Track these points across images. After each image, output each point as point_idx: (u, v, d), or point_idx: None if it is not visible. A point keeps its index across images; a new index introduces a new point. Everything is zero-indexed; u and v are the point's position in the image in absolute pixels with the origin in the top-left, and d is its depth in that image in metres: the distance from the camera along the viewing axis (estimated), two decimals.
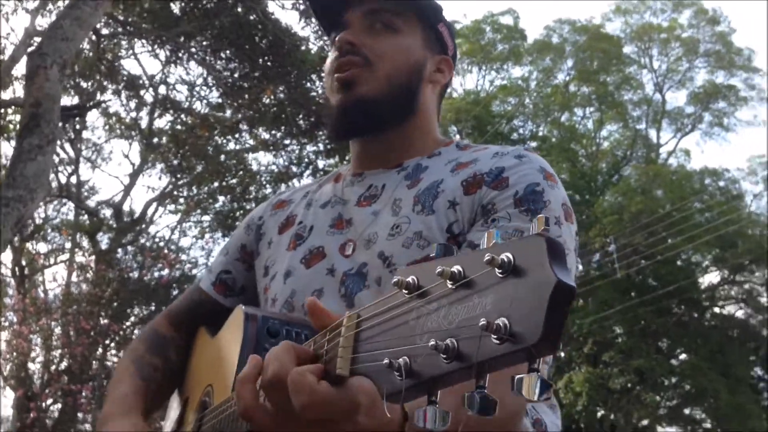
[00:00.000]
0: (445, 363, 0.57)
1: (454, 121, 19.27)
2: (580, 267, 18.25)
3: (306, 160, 10.90)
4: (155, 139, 12.18)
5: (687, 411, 21.86)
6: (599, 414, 20.07)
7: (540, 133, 21.99)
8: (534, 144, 21.67)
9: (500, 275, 0.55)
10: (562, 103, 21.59)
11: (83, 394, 10.34)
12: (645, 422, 21.60)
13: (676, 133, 22.35)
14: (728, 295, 21.95)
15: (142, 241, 13.04)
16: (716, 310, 21.65)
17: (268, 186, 11.46)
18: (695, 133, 22.11)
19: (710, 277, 21.63)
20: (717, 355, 19.17)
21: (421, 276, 0.62)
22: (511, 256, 0.54)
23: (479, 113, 19.68)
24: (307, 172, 10.75)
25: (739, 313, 21.69)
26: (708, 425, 21.20)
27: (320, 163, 10.82)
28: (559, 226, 1.02)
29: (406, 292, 0.63)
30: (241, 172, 11.56)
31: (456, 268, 0.58)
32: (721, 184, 20.48)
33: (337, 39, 1.16)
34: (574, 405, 18.80)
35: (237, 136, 11.15)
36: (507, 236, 0.94)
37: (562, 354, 20.45)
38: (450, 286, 0.58)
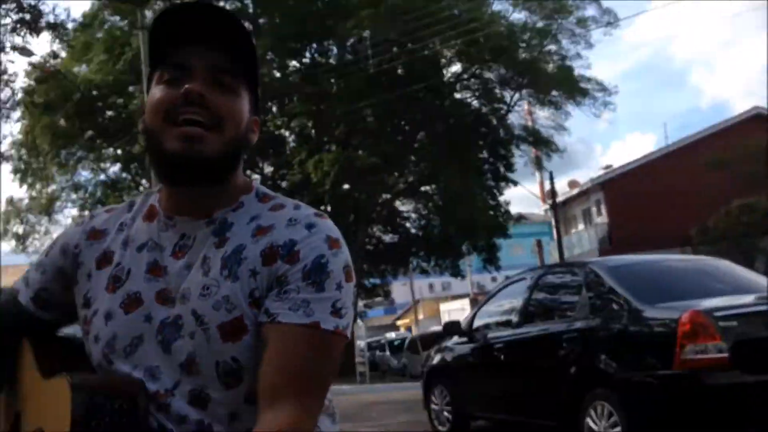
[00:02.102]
0: None
1: None
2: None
3: None
4: None
5: (423, 188, 24.04)
6: (345, 191, 21.40)
7: None
8: None
9: None
10: None
11: None
12: (386, 196, 23.52)
13: None
14: (467, 86, 23.63)
15: None
16: (457, 96, 23.31)
17: None
18: None
19: (454, 69, 23.01)
20: (453, 139, 20.95)
21: None
22: None
23: None
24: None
25: (475, 103, 23.61)
26: (439, 201, 23.62)
27: None
28: (340, 290, 1.17)
29: None
30: None
31: None
32: None
33: (186, 89, 1.17)
34: (322, 184, 19.77)
35: None
36: (296, 306, 1.13)
37: (313, 133, 21.11)
38: None
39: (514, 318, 7.02)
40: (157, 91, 1.20)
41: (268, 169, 26.50)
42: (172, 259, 1.22)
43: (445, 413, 8.11)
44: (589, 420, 5.65)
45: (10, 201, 27.37)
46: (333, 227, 1.22)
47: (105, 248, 1.29)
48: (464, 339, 7.85)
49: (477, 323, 7.74)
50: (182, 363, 1.16)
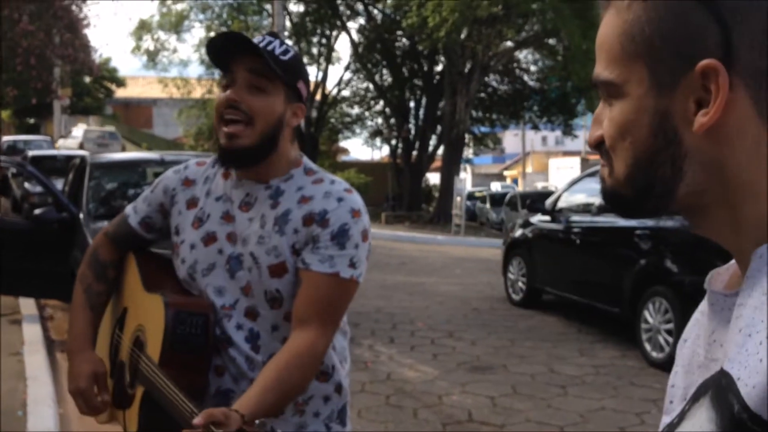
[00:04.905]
0: None
1: None
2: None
3: None
4: None
5: (547, 41, 23.13)
6: (462, 39, 20.92)
7: None
8: None
9: None
10: None
11: None
12: (508, 44, 22.86)
13: None
14: None
15: None
16: None
17: None
18: None
19: None
20: None
21: None
22: None
23: None
24: None
25: None
26: (560, 55, 22.75)
27: None
28: (357, 249, 1.59)
29: None
30: None
31: None
32: None
33: (226, 96, 1.57)
34: (439, 30, 19.38)
35: None
36: (324, 259, 1.55)
37: None
38: None
39: (595, 205, 7.09)
40: (218, 95, 1.61)
41: (389, 10, 26.13)
42: (239, 211, 1.66)
43: (520, 284, 8.45)
44: (646, 313, 6.02)
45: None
46: (357, 200, 1.63)
47: (193, 194, 1.74)
48: (547, 218, 8.00)
49: (561, 204, 7.84)
50: (242, 287, 1.60)
